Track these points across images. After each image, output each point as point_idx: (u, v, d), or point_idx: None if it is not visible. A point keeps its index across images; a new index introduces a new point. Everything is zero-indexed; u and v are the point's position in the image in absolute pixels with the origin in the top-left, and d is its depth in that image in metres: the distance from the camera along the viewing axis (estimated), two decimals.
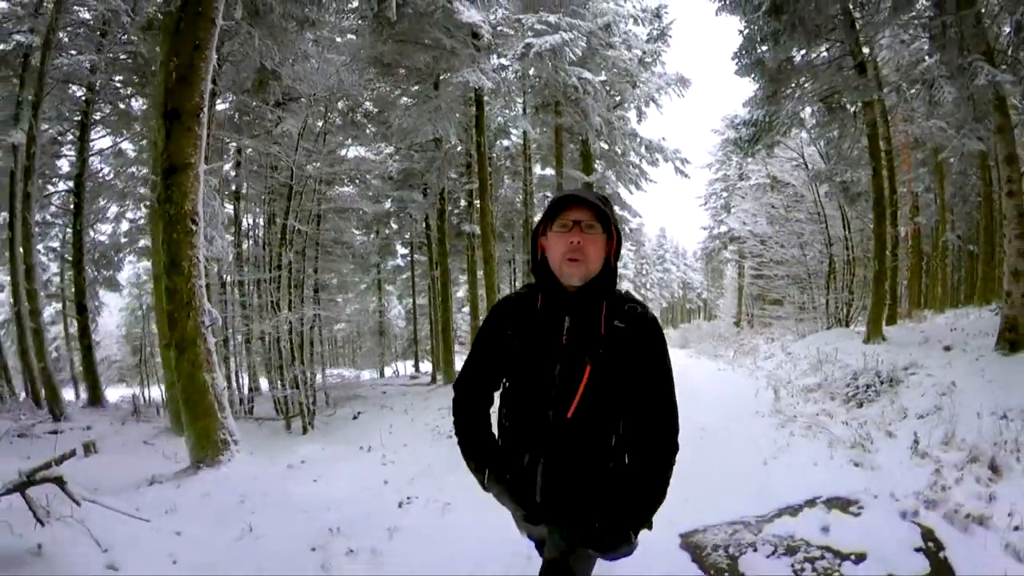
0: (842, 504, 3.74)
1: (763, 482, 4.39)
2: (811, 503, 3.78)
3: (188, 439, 5.53)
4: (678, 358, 19.37)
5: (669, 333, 34.90)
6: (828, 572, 2.94)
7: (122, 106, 13.35)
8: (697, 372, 14.13)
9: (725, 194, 32.48)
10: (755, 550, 3.26)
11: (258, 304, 9.83)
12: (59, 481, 3.28)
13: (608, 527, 1.70)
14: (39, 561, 3.00)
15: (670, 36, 19.66)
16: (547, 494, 1.78)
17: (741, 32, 10.77)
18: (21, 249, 10.50)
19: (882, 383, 7.73)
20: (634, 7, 19.38)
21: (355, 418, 9.95)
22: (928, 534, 3.24)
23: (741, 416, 7.65)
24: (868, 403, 7.38)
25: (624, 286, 50.12)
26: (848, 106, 12.41)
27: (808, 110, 13.94)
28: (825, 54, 11.90)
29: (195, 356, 5.35)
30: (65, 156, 13.69)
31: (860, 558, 3.07)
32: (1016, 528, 3.21)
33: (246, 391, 12.02)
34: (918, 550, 3.09)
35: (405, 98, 14.95)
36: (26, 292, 10.60)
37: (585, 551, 1.77)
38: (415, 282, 21.94)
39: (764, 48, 10.99)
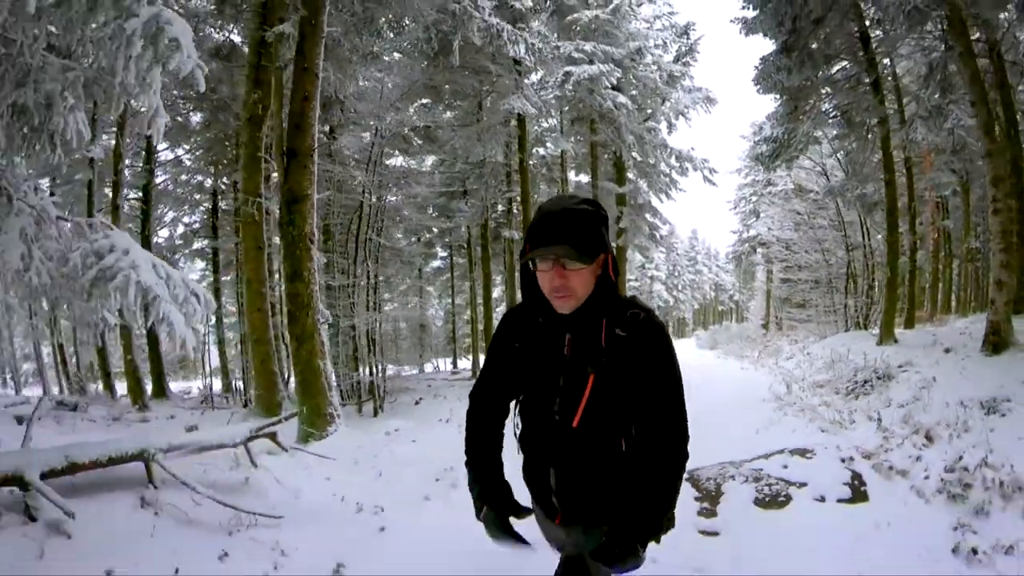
0: (800, 452, 5.06)
1: (751, 441, 5.73)
2: (780, 452, 5.08)
3: (301, 413, 6.99)
4: (706, 358, 20.67)
5: (699, 334, 35.47)
6: (778, 493, 4.25)
7: (180, 119, 14.53)
8: (721, 371, 15.40)
9: (754, 198, 32.74)
10: (734, 479, 4.58)
11: (341, 305, 11.30)
12: (273, 436, 4.78)
13: (616, 541, 1.69)
14: (247, 488, 4.43)
15: (698, 52, 20.66)
16: (562, 499, 1.83)
17: (757, 66, 11.83)
18: None
19: (878, 379, 8.76)
20: (663, 25, 20.49)
21: (416, 404, 11.35)
22: (856, 476, 4.50)
23: (750, 403, 8.86)
24: (863, 395, 8.44)
25: (656, 287, 50.24)
26: (864, 120, 13.27)
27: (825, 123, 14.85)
28: (844, 69, 12.61)
29: (312, 346, 6.83)
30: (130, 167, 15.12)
31: (803, 485, 4.37)
32: (926, 478, 4.44)
33: None
34: (845, 484, 4.36)
35: (449, 113, 16.31)
36: None
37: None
38: (454, 283, 22.94)
39: (780, 76, 12.05)
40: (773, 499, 4.27)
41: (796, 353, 16.12)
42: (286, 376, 10.33)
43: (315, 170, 7.10)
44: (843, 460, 4.80)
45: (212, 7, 12.50)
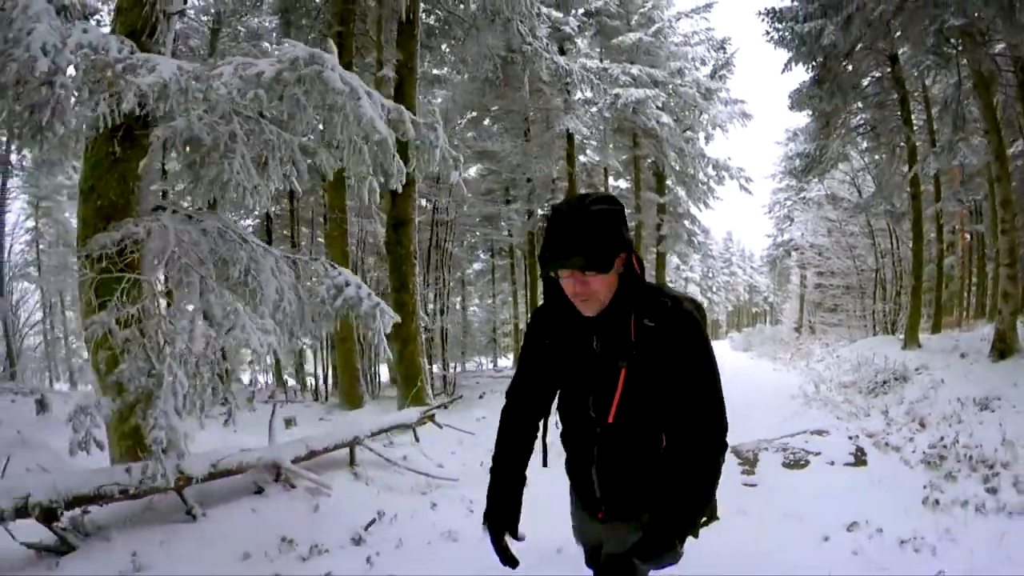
0: (818, 432, 6.37)
1: (781, 426, 7.06)
2: (802, 432, 6.39)
3: (402, 405, 8.45)
4: (740, 360, 21.30)
5: (732, 336, 35.98)
6: (800, 459, 5.55)
7: None
8: (755, 372, 16.36)
9: (788, 203, 33.13)
10: (767, 450, 5.88)
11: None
12: (432, 417, 6.32)
13: (653, 537, 1.66)
14: (408, 462, 5.87)
15: (733, 65, 21.65)
16: (605, 495, 1.82)
17: (791, 95, 12.99)
18: None
19: (895, 380, 9.91)
20: (700, 39, 21.45)
21: (480, 397, 12.73)
22: (860, 449, 5.78)
23: (781, 399, 10.07)
24: (881, 394, 9.60)
25: (691, 289, 50.60)
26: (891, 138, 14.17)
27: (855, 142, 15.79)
28: (873, 83, 13.43)
29: (415, 347, 8.34)
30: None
31: (818, 454, 5.66)
32: (913, 452, 5.76)
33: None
34: (850, 454, 5.65)
35: (495, 125, 17.69)
36: None
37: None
38: (495, 284, 24.05)
39: (812, 103, 13.14)
40: (796, 463, 5.57)
41: (826, 356, 16.97)
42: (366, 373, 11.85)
43: (416, 198, 8.57)
44: (851, 438, 6.14)
45: (277, 22, 13.98)
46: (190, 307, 3.52)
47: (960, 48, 9.28)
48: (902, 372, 10.08)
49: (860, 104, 14.04)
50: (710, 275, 53.41)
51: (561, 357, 1.83)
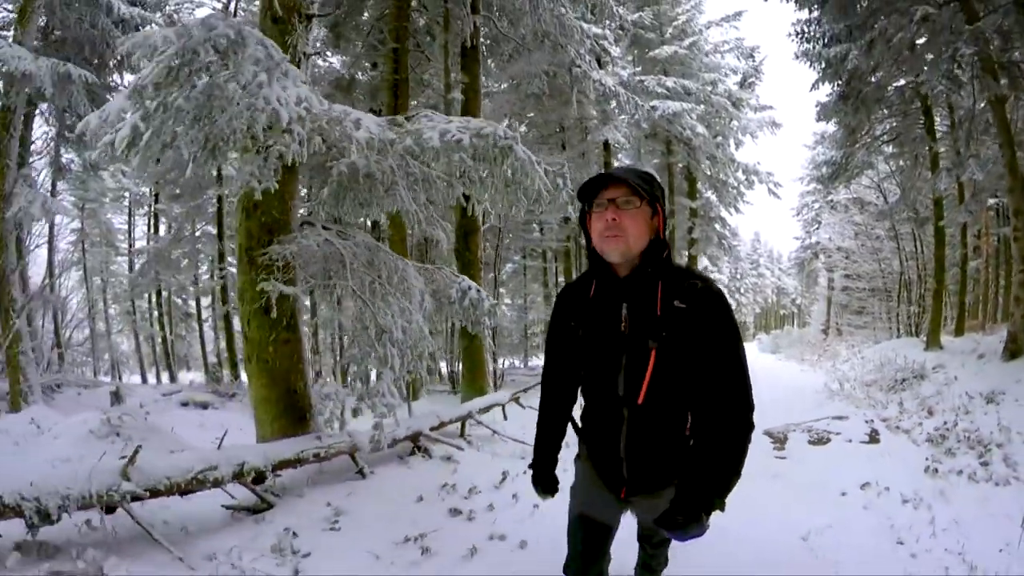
0: (839, 418, 7.40)
1: (807, 414, 8.04)
2: (825, 418, 7.42)
3: (466, 395, 9.52)
4: (768, 361, 21.94)
5: (760, 338, 36.04)
6: (822, 437, 6.55)
7: None
8: (782, 372, 17.17)
9: (816, 206, 33.42)
10: (794, 432, 6.88)
11: None
12: (518, 399, 7.41)
13: (680, 508, 1.72)
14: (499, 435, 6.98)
15: (763, 73, 22.37)
16: (631, 475, 1.88)
17: (817, 109, 13.85)
18: None
19: (914, 378, 10.67)
20: (730, 46, 22.17)
21: (525, 391, 13.79)
22: (874, 431, 6.77)
23: (807, 394, 10.95)
24: (900, 391, 10.34)
25: None
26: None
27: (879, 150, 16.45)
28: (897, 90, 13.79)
29: (480, 345, 9.41)
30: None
31: (838, 434, 6.66)
32: (920, 433, 6.71)
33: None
34: (866, 434, 6.64)
35: (529, 130, 18.16)
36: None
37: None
38: (526, 284, 24.48)
39: (837, 117, 13.95)
40: (819, 440, 6.56)
41: (851, 357, 17.57)
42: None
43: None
44: (867, 422, 7.16)
45: (327, 34, 14.79)
46: (358, 306, 4.64)
47: (973, 74, 10.09)
48: (920, 371, 10.84)
49: (885, 111, 14.54)
50: (738, 276, 53.30)
51: (587, 338, 1.86)
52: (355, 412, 4.72)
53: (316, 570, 3.42)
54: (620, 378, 1.79)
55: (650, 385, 1.74)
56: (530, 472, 2.18)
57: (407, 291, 4.84)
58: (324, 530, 4.03)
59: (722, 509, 1.75)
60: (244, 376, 19.29)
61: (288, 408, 5.16)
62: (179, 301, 25.78)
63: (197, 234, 20.79)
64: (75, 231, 24.55)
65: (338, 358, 20.27)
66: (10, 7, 12.87)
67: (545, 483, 2.13)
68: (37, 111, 13.07)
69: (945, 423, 6.81)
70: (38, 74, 8.41)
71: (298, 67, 5.09)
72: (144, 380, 24.85)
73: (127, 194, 25.19)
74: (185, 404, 11.02)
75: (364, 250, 4.93)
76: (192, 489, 3.86)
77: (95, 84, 10.60)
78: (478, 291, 5.59)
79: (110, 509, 3.40)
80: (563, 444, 2.15)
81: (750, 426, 1.75)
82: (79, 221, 23.36)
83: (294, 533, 3.81)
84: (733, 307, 1.79)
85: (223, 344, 25.76)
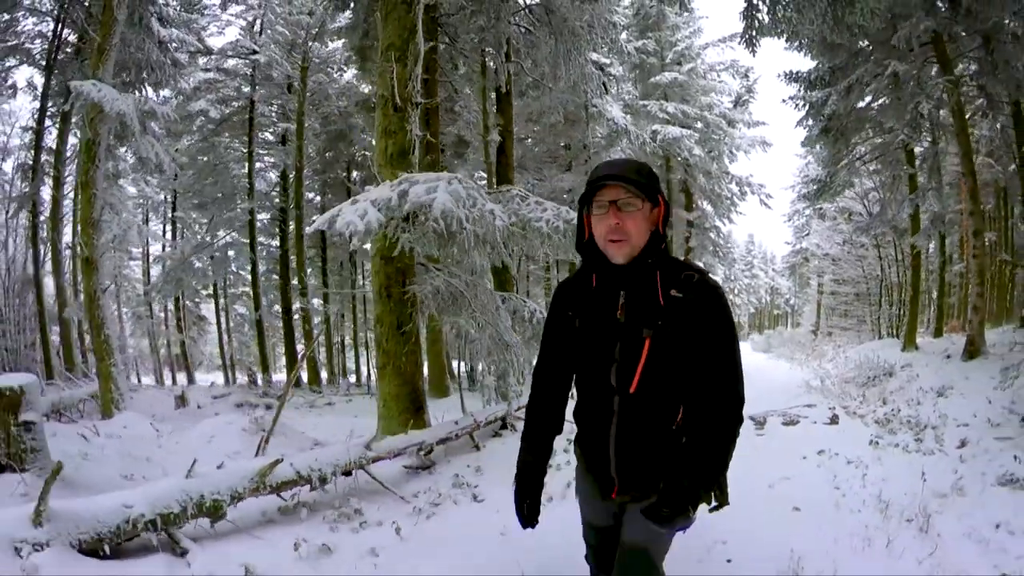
0: (808, 406, 9.09)
1: (784, 403, 9.68)
2: (798, 406, 9.08)
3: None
4: (760, 359, 23.29)
5: (754, 338, 37.02)
6: (794, 420, 8.17)
7: None
8: (772, 369, 18.72)
9: (807, 212, 34.86)
10: (772, 416, 8.47)
11: None
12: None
13: (667, 499, 1.72)
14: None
15: (756, 92, 23.92)
16: (621, 470, 1.86)
17: (802, 141, 15.48)
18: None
19: (884, 375, 12.30)
20: (726, 66, 23.59)
21: None
22: (835, 415, 8.41)
23: (790, 389, 12.54)
24: (871, 386, 12.01)
25: None
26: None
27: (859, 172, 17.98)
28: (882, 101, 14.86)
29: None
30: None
31: (806, 417, 8.30)
32: (871, 416, 8.35)
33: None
34: (828, 417, 8.30)
35: (535, 145, 19.83)
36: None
37: (660, 535, 1.84)
38: (529, 291, 25.22)
39: (818, 147, 15.56)
40: (791, 422, 8.16)
41: (836, 356, 19.09)
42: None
43: None
44: (830, 409, 8.84)
45: (352, 57, 15.79)
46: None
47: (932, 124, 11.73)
48: (889, 369, 12.41)
49: (869, 131, 15.87)
50: (732, 278, 54.24)
51: (584, 328, 1.87)
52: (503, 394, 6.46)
53: (484, 495, 5.25)
54: (614, 367, 1.81)
55: (643, 374, 1.75)
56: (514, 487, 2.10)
57: (498, 312, 6.48)
58: (474, 475, 5.85)
59: (708, 502, 1.80)
60: (280, 377, 20.82)
61: (412, 402, 6.96)
62: (190, 304, 26.78)
63: (222, 243, 21.79)
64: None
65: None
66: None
67: (527, 510, 2.04)
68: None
69: (893, 410, 8.46)
70: (129, 113, 8.86)
71: (412, 145, 6.68)
72: (160, 382, 25.86)
73: (143, 201, 26.14)
74: (240, 405, 11.64)
75: (470, 286, 6.58)
76: (400, 455, 5.63)
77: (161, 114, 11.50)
78: (542, 312, 7.24)
79: (346, 474, 5.04)
80: (553, 450, 2.13)
81: (739, 419, 1.79)
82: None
83: (459, 475, 5.71)
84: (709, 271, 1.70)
85: (235, 345, 27.40)
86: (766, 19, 7.58)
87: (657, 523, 1.75)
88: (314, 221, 5.67)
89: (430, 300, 6.68)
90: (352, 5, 12.88)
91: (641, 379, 1.76)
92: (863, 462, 6.21)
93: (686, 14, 20.03)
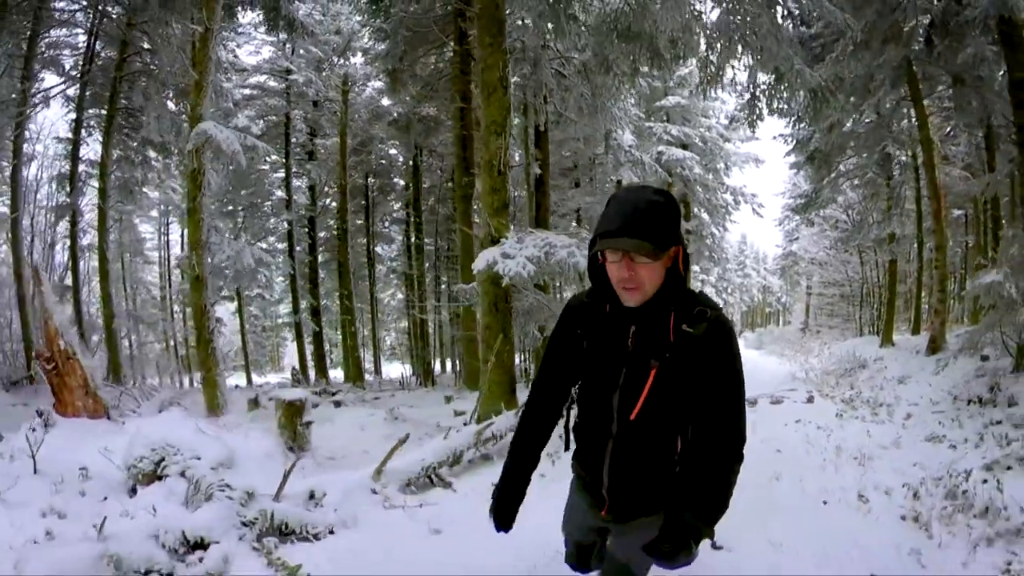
0: (791, 390, 11.31)
1: (773, 389, 11.83)
2: (784, 390, 11.25)
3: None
4: (752, 355, 25.06)
5: (746, 335, 38.48)
6: (779, 400, 10.34)
7: None
8: (763, 364, 20.77)
9: (796, 218, 36.55)
10: (762, 398, 10.57)
11: None
12: None
13: (669, 535, 1.74)
14: None
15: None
16: (613, 491, 1.90)
17: (790, 167, 17.65)
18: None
19: (858, 367, 14.24)
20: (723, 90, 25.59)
21: None
22: (811, 396, 10.63)
23: (779, 379, 14.73)
24: (847, 377, 13.99)
25: (707, 290, 52.65)
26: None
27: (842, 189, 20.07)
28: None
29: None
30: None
31: (788, 398, 10.51)
32: (839, 397, 10.54)
33: None
34: (806, 398, 10.53)
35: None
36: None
37: (648, 560, 1.86)
38: None
39: (804, 168, 17.72)
40: (777, 402, 10.30)
41: (821, 352, 20.91)
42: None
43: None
44: (807, 392, 11.07)
45: (384, 82, 16.86)
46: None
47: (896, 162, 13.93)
48: (863, 362, 14.30)
49: (852, 147, 17.24)
50: (725, 277, 54.95)
51: (591, 349, 1.88)
52: None
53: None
54: (616, 393, 1.81)
55: (645, 402, 1.75)
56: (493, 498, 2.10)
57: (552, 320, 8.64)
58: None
59: (710, 537, 1.81)
60: (335, 375, 22.21)
61: (509, 387, 8.93)
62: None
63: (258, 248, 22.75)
64: (113, 242, 25.21)
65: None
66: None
67: (503, 514, 2.06)
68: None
69: (858, 392, 10.63)
70: (238, 150, 9.84)
71: (510, 199, 8.69)
72: (181, 383, 26.34)
73: (161, 206, 26.12)
74: (316, 405, 11.66)
75: (549, 301, 8.75)
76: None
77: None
78: None
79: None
80: (537, 464, 2.10)
81: (740, 457, 1.80)
82: (115, 232, 24.07)
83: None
84: (720, 305, 1.79)
85: (251, 346, 27.96)
86: (764, 109, 9.85)
87: (659, 559, 1.80)
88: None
89: (520, 313, 8.79)
90: (391, 38, 14.49)
91: (643, 408, 1.76)
92: (829, 427, 8.32)
93: None
